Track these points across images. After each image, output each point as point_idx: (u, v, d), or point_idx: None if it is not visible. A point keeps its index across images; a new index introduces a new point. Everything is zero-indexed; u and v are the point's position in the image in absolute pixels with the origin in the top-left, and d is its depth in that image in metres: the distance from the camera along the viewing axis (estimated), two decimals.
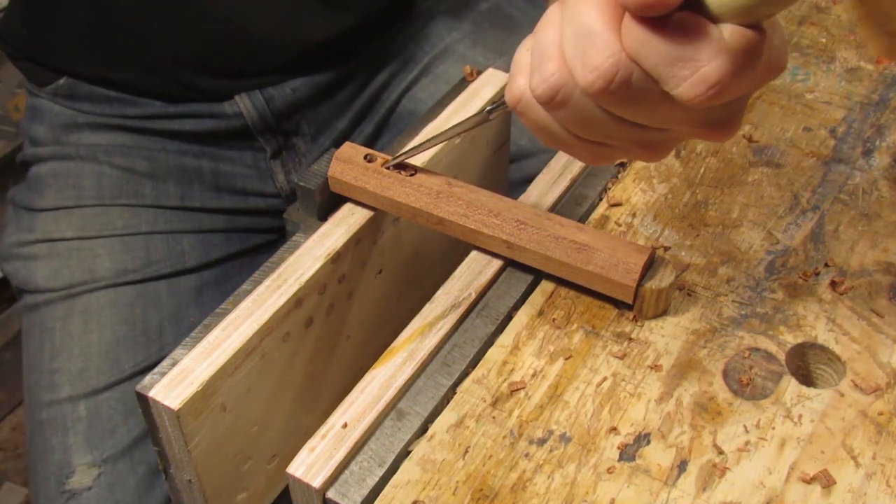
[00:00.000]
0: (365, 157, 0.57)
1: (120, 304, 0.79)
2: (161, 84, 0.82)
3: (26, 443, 0.79)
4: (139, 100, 0.83)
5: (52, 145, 0.84)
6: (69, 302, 0.78)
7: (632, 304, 0.52)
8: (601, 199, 0.60)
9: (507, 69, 0.75)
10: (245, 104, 0.84)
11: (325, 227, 0.56)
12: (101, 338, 0.77)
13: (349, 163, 0.56)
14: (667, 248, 0.56)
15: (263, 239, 0.90)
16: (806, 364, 0.51)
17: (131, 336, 0.78)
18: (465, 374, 0.50)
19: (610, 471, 0.45)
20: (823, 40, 0.74)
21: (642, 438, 0.46)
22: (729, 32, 0.36)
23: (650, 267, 0.51)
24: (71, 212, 0.81)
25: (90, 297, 0.79)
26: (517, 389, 0.49)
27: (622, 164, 0.62)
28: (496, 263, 0.55)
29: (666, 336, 0.51)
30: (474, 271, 0.54)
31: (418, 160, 0.60)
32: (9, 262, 0.83)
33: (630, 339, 0.51)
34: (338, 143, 0.58)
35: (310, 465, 0.45)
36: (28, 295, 0.81)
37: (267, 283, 0.53)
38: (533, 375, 0.49)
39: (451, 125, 0.56)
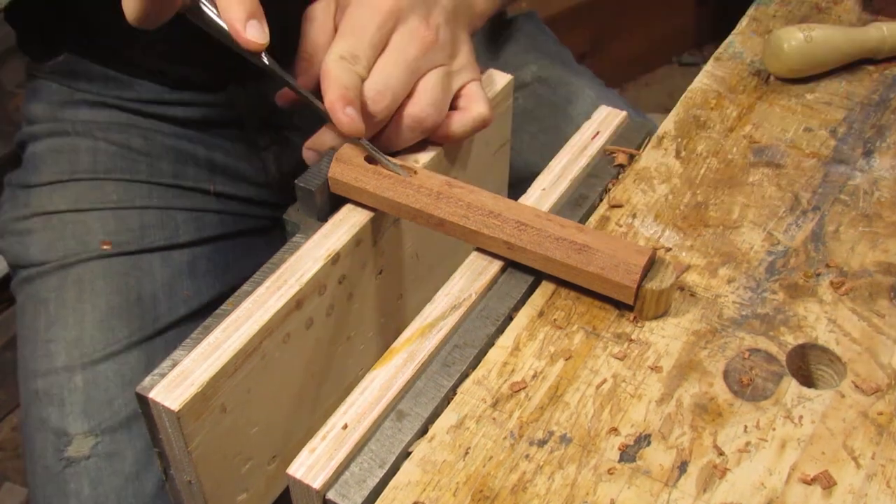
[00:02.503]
0: (365, 158, 0.57)
1: (113, 274, 0.79)
2: (153, 73, 0.82)
3: (21, 413, 0.79)
4: (136, 81, 0.83)
5: (49, 122, 0.84)
6: (63, 272, 0.79)
7: (632, 305, 0.52)
8: (601, 200, 0.60)
9: (505, 67, 0.76)
10: (238, 95, 0.84)
11: (325, 228, 0.56)
12: (96, 306, 0.77)
13: (349, 164, 0.56)
14: (667, 249, 0.56)
15: (257, 223, 0.90)
16: (806, 365, 0.51)
17: (125, 305, 0.78)
18: (465, 375, 0.50)
19: (610, 472, 0.45)
20: None
21: (643, 439, 0.46)
22: None
23: (651, 268, 0.51)
24: (65, 185, 0.82)
25: (84, 266, 0.79)
26: (517, 390, 0.49)
27: (622, 166, 0.62)
28: (496, 264, 0.55)
29: (666, 337, 0.51)
30: (474, 272, 0.54)
31: (419, 160, 0.60)
32: (3, 239, 0.83)
33: (630, 339, 0.51)
34: None
35: (310, 466, 0.45)
36: (23, 270, 0.81)
37: (267, 283, 0.52)
38: (533, 376, 0.49)
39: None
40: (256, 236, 0.90)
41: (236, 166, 0.87)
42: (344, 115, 0.54)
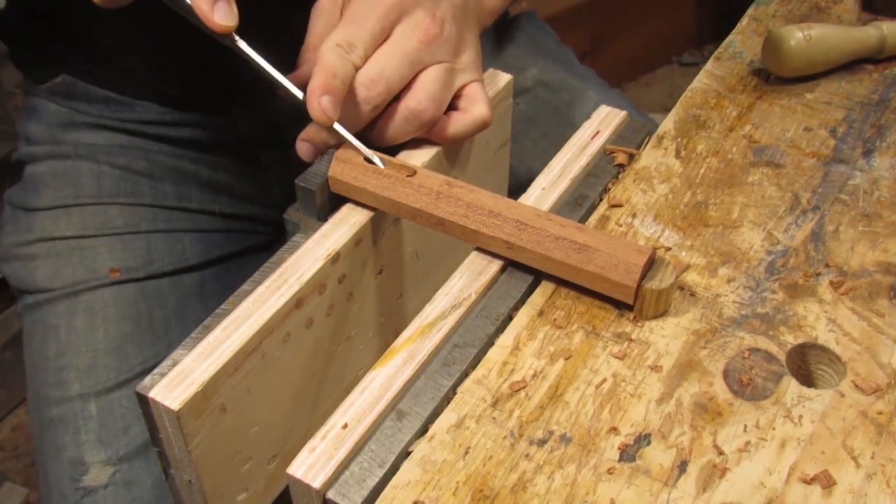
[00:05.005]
0: (365, 158, 0.57)
1: (124, 301, 0.78)
2: (153, 93, 0.82)
3: (34, 441, 0.79)
4: (137, 102, 0.82)
5: (49, 144, 0.83)
6: (72, 299, 0.78)
7: (632, 305, 0.52)
8: (601, 200, 0.60)
9: (506, 69, 0.76)
10: (242, 115, 0.83)
11: (326, 228, 0.56)
12: (108, 334, 0.77)
13: (349, 163, 0.56)
14: (667, 249, 0.56)
15: (264, 239, 0.90)
16: (806, 364, 0.51)
17: (138, 332, 0.78)
18: (465, 375, 0.50)
19: (610, 471, 0.45)
20: None
21: (642, 439, 0.46)
22: None
23: (650, 267, 0.51)
24: (69, 210, 0.81)
25: (93, 294, 0.78)
26: (517, 390, 0.49)
27: (622, 166, 0.62)
28: (496, 264, 0.55)
29: (666, 336, 0.51)
30: (474, 272, 0.54)
31: (419, 159, 0.60)
32: (8, 263, 0.82)
33: (630, 339, 0.51)
34: None
35: (310, 465, 0.45)
36: (28, 295, 0.81)
37: (267, 283, 0.53)
38: (533, 376, 0.49)
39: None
40: (264, 252, 0.89)
41: (240, 186, 0.87)
42: (318, 101, 0.53)
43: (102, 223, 0.81)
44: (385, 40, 0.57)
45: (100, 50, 0.80)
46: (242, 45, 0.55)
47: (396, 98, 0.58)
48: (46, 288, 0.79)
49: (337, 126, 0.55)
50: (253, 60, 0.55)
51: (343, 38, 0.55)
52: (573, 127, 0.89)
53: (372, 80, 0.56)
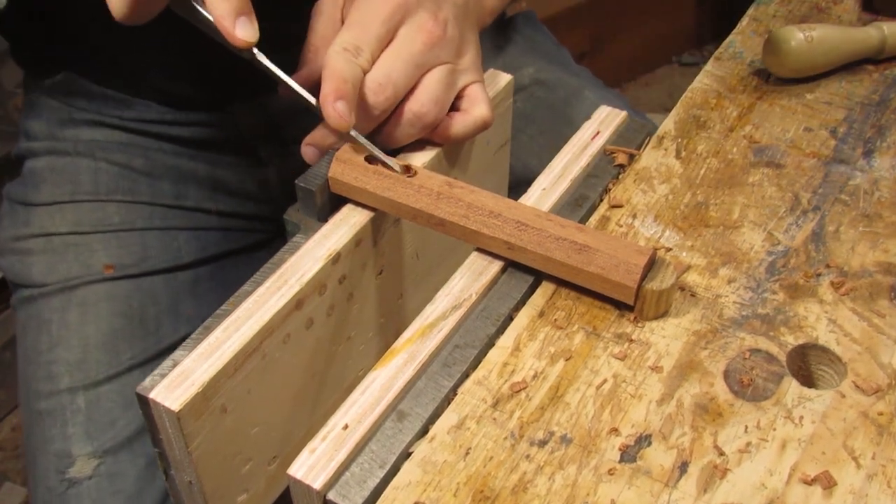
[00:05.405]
0: (365, 158, 0.57)
1: (117, 297, 0.79)
2: (154, 92, 0.82)
3: (24, 433, 0.79)
4: (137, 101, 0.82)
5: (48, 140, 0.84)
6: (66, 294, 0.78)
7: (632, 306, 0.52)
8: (602, 200, 0.60)
9: (502, 69, 0.76)
10: (243, 113, 0.83)
11: (326, 228, 0.56)
12: (99, 329, 0.77)
13: (349, 163, 0.56)
14: (668, 249, 0.56)
15: (260, 237, 0.90)
16: (807, 365, 0.51)
17: (129, 328, 0.78)
18: (465, 376, 0.50)
19: (611, 472, 0.45)
20: None
21: (643, 440, 0.46)
22: None
23: (651, 268, 0.51)
24: (66, 207, 0.81)
25: (87, 289, 0.79)
26: (518, 391, 0.49)
27: (622, 166, 0.62)
28: (497, 264, 0.55)
29: (667, 337, 0.51)
30: (475, 272, 0.54)
31: (419, 160, 0.60)
32: (4, 257, 0.83)
33: (631, 340, 0.51)
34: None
35: (310, 466, 0.45)
36: (23, 289, 0.81)
37: (267, 284, 0.53)
38: (534, 377, 0.49)
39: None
40: (259, 250, 0.89)
41: (239, 183, 0.87)
42: (333, 108, 0.53)
43: (99, 220, 0.81)
44: (389, 43, 0.57)
45: (100, 49, 0.80)
46: (261, 57, 0.55)
47: (400, 101, 0.58)
48: (41, 283, 0.79)
49: (352, 131, 0.55)
50: (271, 72, 0.55)
51: (349, 42, 0.56)
52: (570, 125, 0.89)
53: (380, 85, 0.56)
